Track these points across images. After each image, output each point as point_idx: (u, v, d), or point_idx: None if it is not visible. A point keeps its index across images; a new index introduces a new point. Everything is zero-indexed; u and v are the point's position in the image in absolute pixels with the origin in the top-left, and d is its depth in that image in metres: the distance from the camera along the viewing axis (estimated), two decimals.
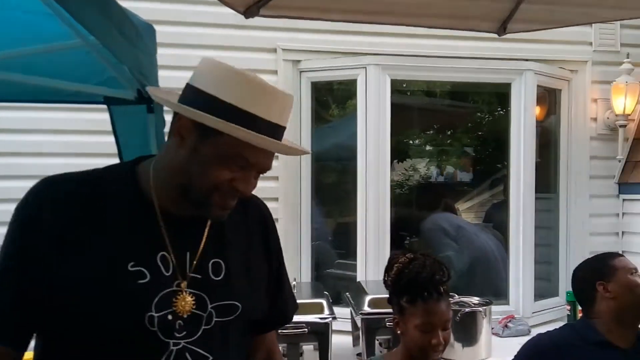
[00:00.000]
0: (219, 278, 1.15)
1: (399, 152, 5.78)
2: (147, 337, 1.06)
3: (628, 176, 3.62)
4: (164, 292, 1.08)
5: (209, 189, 1.08)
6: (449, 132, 6.29)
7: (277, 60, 3.25)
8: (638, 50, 3.67)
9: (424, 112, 5.45)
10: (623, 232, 3.68)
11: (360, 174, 3.21)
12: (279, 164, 3.14)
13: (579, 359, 1.94)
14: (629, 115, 3.58)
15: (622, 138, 3.64)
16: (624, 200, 3.67)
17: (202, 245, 1.15)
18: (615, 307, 1.98)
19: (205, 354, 1.11)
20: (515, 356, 2.07)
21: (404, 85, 4.72)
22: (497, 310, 3.26)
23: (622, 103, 3.52)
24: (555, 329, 2.18)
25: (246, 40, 3.17)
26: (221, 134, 1.05)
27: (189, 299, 1.10)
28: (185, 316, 1.09)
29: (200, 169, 1.08)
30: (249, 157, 1.08)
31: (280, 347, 2.45)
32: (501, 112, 4.72)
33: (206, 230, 1.17)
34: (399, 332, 1.72)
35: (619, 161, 3.66)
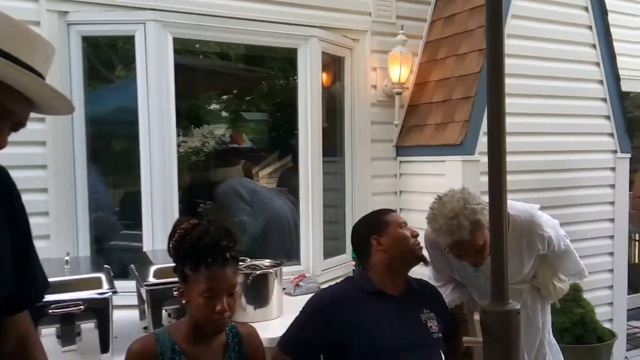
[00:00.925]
0: None
1: (195, 117, 5.63)
2: None
3: (404, 140, 3.93)
4: None
5: None
6: (247, 98, 6.28)
7: (40, 10, 2.87)
8: (411, 23, 3.95)
9: (220, 76, 5.32)
10: (400, 191, 3.99)
11: (143, 139, 3.00)
12: (47, 127, 2.81)
13: (356, 308, 2.07)
14: (404, 83, 3.85)
15: (398, 105, 3.90)
16: (400, 162, 3.98)
17: None
18: (387, 259, 2.14)
19: None
20: (300, 312, 2.14)
21: (197, 46, 4.55)
22: (289, 270, 3.36)
23: (397, 72, 3.76)
24: (336, 283, 2.31)
25: None
26: None
27: None
28: None
29: None
30: (5, 102, 0.95)
31: (54, 329, 2.26)
32: (295, 78, 4.81)
33: None
34: (183, 301, 1.67)
35: (396, 126, 3.94)
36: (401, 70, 3.75)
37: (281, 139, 5.84)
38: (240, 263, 2.12)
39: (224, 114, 6.53)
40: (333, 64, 3.87)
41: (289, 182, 4.38)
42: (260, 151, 6.30)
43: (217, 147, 6.00)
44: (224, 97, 6.30)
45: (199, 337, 1.71)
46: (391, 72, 3.79)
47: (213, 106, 6.23)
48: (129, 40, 3.03)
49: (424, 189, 3.72)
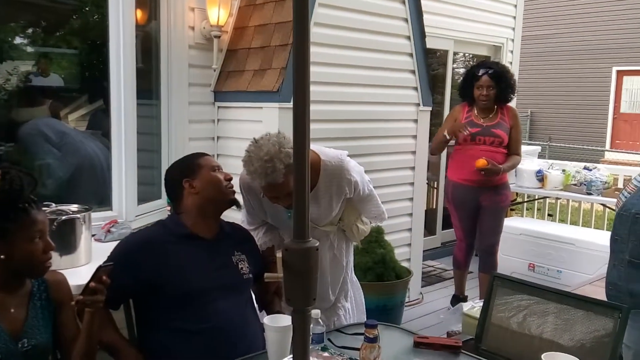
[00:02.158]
0: None
1: None
2: None
3: (222, 85, 3.89)
4: None
5: None
6: (57, 33, 5.74)
7: None
8: None
9: (25, 6, 4.77)
10: (218, 137, 3.97)
11: None
12: None
13: (167, 251, 2.07)
14: (223, 27, 3.78)
15: (217, 49, 3.84)
16: (218, 107, 3.95)
17: None
18: (200, 201, 2.16)
19: None
20: (107, 257, 2.09)
21: None
22: (100, 216, 3.25)
23: (216, 14, 3.67)
24: (146, 227, 2.27)
25: None
26: None
27: None
28: None
29: None
30: None
31: None
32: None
33: None
34: (2, 257, 1.66)
35: (214, 70, 3.89)
36: (220, 13, 3.67)
37: (94, 79, 5.48)
38: (44, 208, 2.00)
39: (29, 49, 5.92)
40: (148, 0, 3.66)
41: (101, 124, 4.14)
42: (71, 92, 5.85)
43: (20, 85, 5.46)
44: (30, 30, 5.69)
45: (2, 286, 1.71)
46: (210, 14, 3.69)
47: (18, 40, 5.61)
48: None
49: (241, 135, 3.71)
